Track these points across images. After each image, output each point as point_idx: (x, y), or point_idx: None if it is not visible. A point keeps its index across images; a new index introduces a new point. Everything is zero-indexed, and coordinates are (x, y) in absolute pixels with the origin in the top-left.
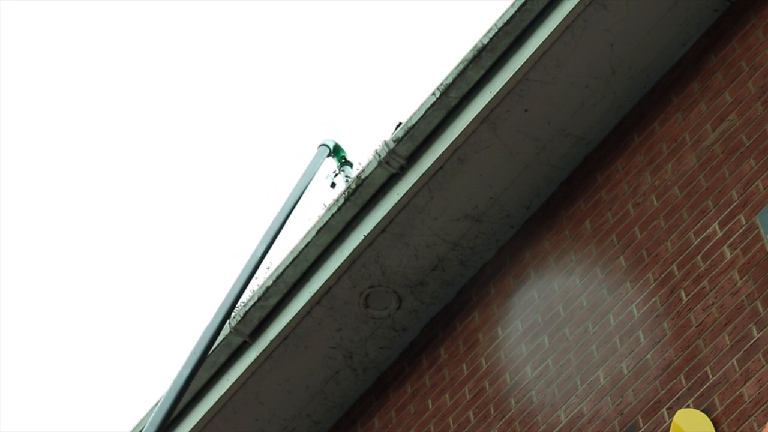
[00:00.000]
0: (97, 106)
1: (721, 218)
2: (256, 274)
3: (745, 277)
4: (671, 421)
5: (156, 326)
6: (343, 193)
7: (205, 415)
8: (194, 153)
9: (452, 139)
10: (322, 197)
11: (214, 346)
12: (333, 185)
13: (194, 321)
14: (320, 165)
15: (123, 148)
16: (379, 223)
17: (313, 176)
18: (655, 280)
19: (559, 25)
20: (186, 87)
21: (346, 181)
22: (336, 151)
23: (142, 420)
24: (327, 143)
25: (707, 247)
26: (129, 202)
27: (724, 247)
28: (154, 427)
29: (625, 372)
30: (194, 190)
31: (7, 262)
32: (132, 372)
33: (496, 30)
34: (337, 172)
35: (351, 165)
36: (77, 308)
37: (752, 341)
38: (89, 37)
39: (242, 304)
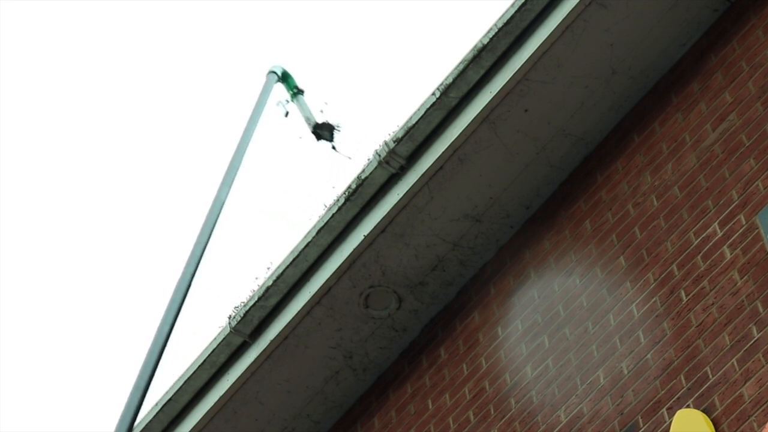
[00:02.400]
0: (48, 73)
1: (721, 218)
2: (257, 274)
3: (745, 277)
4: (671, 421)
5: (154, 324)
6: (344, 193)
7: (205, 415)
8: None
9: (452, 139)
10: (322, 198)
11: (215, 346)
12: (287, 114)
13: (194, 315)
14: (270, 92)
15: (82, 115)
16: (379, 223)
17: (265, 105)
18: (655, 280)
19: (559, 25)
20: (173, 83)
21: (307, 120)
22: (285, 78)
23: (141, 420)
24: (275, 70)
25: (707, 247)
26: (101, 176)
27: (724, 247)
28: (143, 383)
29: (625, 372)
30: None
31: (3, 263)
32: (131, 371)
33: (496, 30)
34: (289, 100)
35: (303, 93)
36: (76, 308)
37: (752, 341)
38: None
39: (242, 304)
